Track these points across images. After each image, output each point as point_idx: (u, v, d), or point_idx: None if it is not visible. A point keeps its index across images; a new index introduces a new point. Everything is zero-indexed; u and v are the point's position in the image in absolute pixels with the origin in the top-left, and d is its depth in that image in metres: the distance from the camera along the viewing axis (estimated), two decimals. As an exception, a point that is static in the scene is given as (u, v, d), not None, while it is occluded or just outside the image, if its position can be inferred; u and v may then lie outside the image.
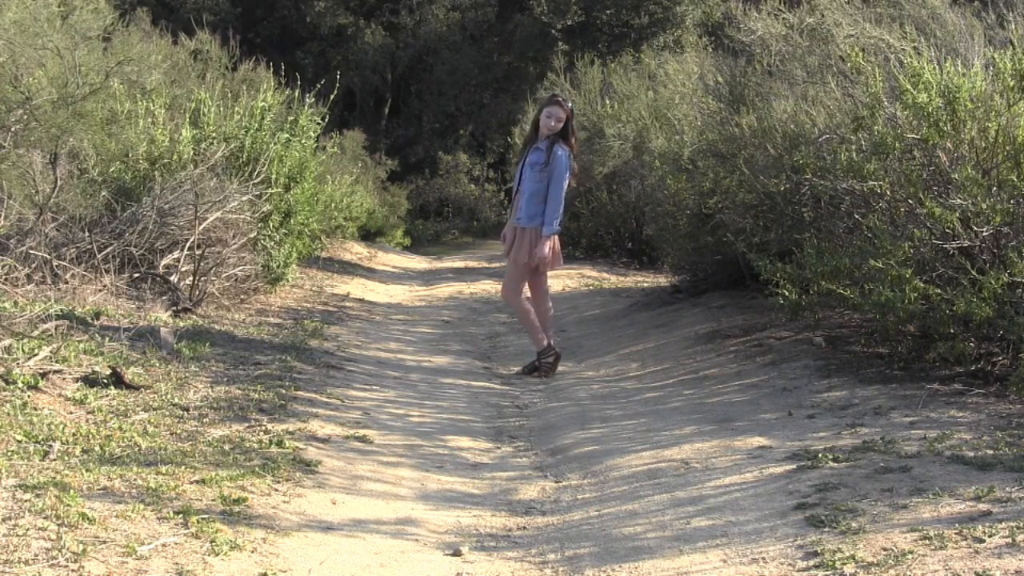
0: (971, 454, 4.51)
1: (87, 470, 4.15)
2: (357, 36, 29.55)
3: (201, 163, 9.32)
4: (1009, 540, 3.52)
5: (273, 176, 10.27)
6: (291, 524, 4.05)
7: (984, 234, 5.76)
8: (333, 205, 16.00)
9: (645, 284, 12.69)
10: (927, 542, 3.61)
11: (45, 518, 3.59)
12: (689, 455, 5.11)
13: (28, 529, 3.48)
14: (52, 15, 8.10)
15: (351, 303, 11.18)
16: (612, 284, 13.03)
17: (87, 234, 8.16)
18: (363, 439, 5.50)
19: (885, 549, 3.61)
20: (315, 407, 6.00)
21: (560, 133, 7.54)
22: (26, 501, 3.71)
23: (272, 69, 12.62)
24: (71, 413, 4.96)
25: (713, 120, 9.84)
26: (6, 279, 7.04)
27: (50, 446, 4.38)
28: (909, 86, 6.13)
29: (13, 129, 7.62)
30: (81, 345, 6.07)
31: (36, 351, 5.60)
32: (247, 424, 5.34)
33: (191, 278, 8.46)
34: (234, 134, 10.06)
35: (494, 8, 30.40)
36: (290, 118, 11.04)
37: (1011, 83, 5.95)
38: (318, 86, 11.59)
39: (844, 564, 3.54)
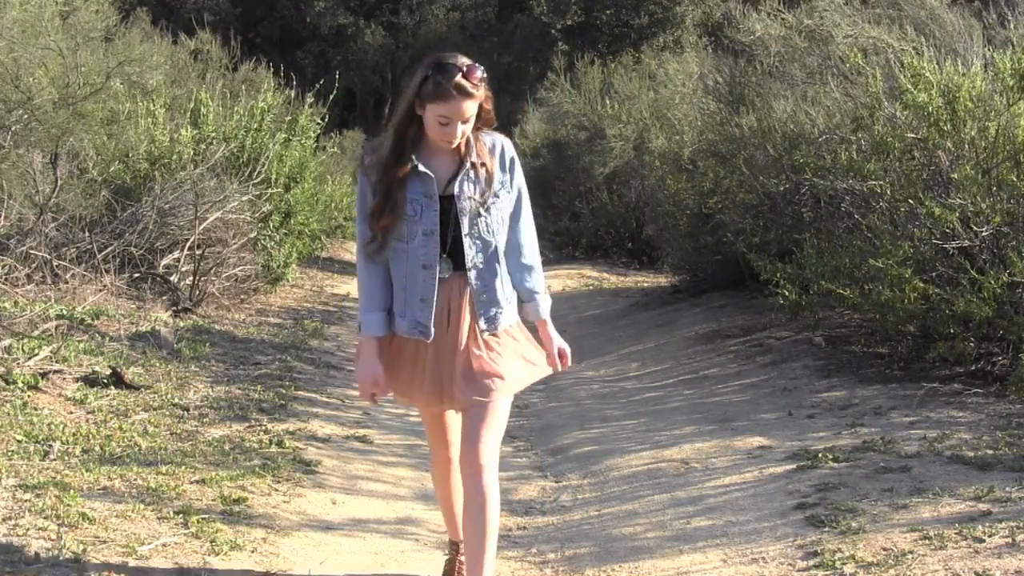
0: (971, 454, 4.51)
1: (87, 470, 4.15)
2: (357, 36, 29.58)
3: (201, 163, 9.32)
4: (1009, 540, 3.52)
5: (273, 176, 10.29)
6: (291, 524, 4.05)
7: (984, 234, 5.76)
8: (333, 205, 16.02)
9: (645, 284, 12.69)
10: (927, 542, 3.61)
11: (45, 518, 3.59)
12: (689, 455, 5.11)
13: (28, 529, 3.48)
14: (54, 15, 8.10)
15: (351, 303, 11.17)
16: (612, 284, 13.04)
17: (87, 234, 8.17)
18: (363, 439, 5.51)
19: (885, 549, 3.61)
20: (315, 407, 6.01)
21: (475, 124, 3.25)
22: (26, 501, 3.71)
23: (272, 69, 12.64)
24: (71, 413, 4.96)
25: (713, 120, 9.85)
26: (6, 279, 7.04)
27: (50, 446, 4.38)
28: (909, 86, 6.13)
29: (13, 129, 7.63)
30: (81, 345, 6.07)
31: (36, 351, 5.61)
32: (247, 424, 5.34)
33: (191, 278, 8.46)
34: (234, 134, 10.07)
35: (494, 8, 30.43)
36: (289, 118, 11.05)
37: (1010, 83, 5.95)
38: (318, 86, 11.60)
39: (844, 564, 3.54)
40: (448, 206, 3.18)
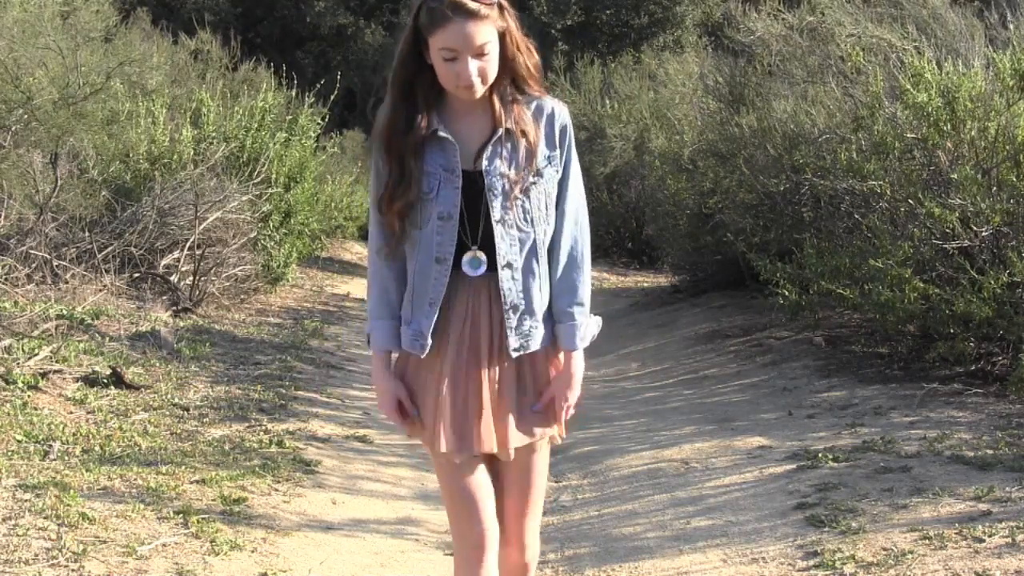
0: (971, 454, 4.51)
1: (87, 470, 4.15)
2: (357, 36, 29.57)
3: (201, 163, 9.32)
4: (1009, 540, 3.52)
5: (273, 176, 10.29)
6: (291, 524, 4.05)
7: (984, 234, 5.76)
8: (333, 205, 16.03)
9: (645, 284, 12.70)
10: (927, 542, 3.61)
11: (45, 518, 3.59)
12: (689, 455, 5.11)
13: (28, 529, 3.48)
14: (54, 15, 8.10)
15: (351, 303, 11.17)
16: (612, 284, 13.04)
17: (87, 234, 8.17)
18: (363, 439, 5.50)
19: (885, 549, 3.61)
20: (315, 407, 6.01)
21: (505, 75, 2.44)
22: (26, 501, 3.71)
23: (272, 69, 12.65)
24: (71, 413, 4.96)
25: (713, 120, 9.86)
26: (6, 279, 7.04)
27: (50, 446, 4.38)
28: (909, 86, 6.13)
29: (13, 129, 7.63)
30: (81, 345, 6.07)
31: (36, 351, 5.61)
32: (247, 424, 5.34)
33: (191, 278, 8.46)
34: (234, 134, 10.08)
35: (494, 8, 30.40)
36: (290, 118, 11.05)
37: (1011, 83, 5.95)
38: (318, 86, 11.60)
39: (844, 564, 3.54)
40: (476, 184, 2.40)
